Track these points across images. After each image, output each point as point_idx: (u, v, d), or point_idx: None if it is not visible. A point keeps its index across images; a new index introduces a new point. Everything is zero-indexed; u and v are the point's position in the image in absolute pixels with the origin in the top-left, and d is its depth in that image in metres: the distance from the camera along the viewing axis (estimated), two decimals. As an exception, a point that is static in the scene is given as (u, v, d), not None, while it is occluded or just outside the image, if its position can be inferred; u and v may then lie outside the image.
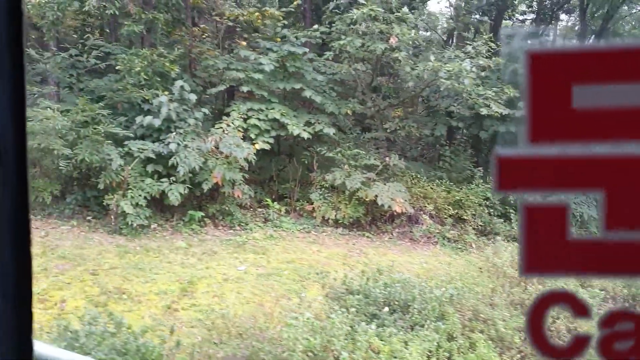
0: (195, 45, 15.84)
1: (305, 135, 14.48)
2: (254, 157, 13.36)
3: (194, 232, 12.65)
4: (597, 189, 1.26)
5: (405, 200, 14.17)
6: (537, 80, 1.24)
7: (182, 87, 13.37)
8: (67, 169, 11.75)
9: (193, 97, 13.60)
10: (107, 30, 17.28)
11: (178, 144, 12.46)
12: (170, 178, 12.41)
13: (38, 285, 8.96)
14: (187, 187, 12.52)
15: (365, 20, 14.89)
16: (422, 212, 14.66)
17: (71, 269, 9.88)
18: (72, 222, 12.04)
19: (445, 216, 15.35)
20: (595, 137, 1.25)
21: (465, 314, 8.48)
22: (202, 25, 17.22)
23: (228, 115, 14.37)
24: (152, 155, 12.40)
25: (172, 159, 12.27)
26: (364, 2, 15.05)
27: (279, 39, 15.98)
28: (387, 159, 15.19)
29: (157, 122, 12.73)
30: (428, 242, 14.59)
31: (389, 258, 12.71)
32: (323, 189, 14.86)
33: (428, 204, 15.20)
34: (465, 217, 15.07)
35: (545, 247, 1.26)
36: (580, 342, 1.25)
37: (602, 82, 1.24)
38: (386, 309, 8.25)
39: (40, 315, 8.10)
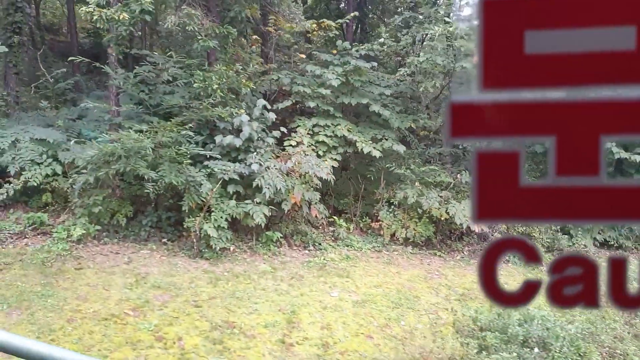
0: (253, 58, 15.86)
1: (377, 153, 14.26)
2: (333, 176, 13.33)
3: (272, 254, 12.72)
4: (549, 135, 1.24)
5: (480, 219, 13.79)
6: (490, 25, 1.23)
7: (264, 106, 13.41)
8: (152, 191, 11.72)
9: (272, 116, 13.56)
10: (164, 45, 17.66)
11: (260, 165, 12.52)
12: (254, 200, 12.49)
13: (149, 321, 9.20)
14: (271, 208, 12.57)
15: (449, 38, 14.54)
16: (492, 230, 14.24)
17: (171, 300, 10.06)
18: (151, 246, 12.13)
19: (515, 233, 14.90)
20: (547, 83, 1.24)
21: (602, 350, 8.07)
22: (253, 37, 17.10)
23: (294, 131, 14.27)
24: (235, 177, 12.43)
25: (256, 180, 12.32)
26: (448, 20, 14.93)
27: (335, 51, 15.88)
28: (458, 175, 14.84)
29: (238, 142, 12.73)
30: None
31: (469, 280, 12.52)
32: (391, 206, 14.60)
33: (498, 221, 14.88)
34: (533, 234, 14.75)
35: (498, 193, 1.26)
36: (530, 288, 1.26)
37: (554, 28, 1.23)
38: (536, 349, 7.89)
39: (164, 357, 8.34)
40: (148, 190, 11.57)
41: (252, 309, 10.13)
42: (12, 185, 11.54)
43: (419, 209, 14.16)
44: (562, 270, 1.26)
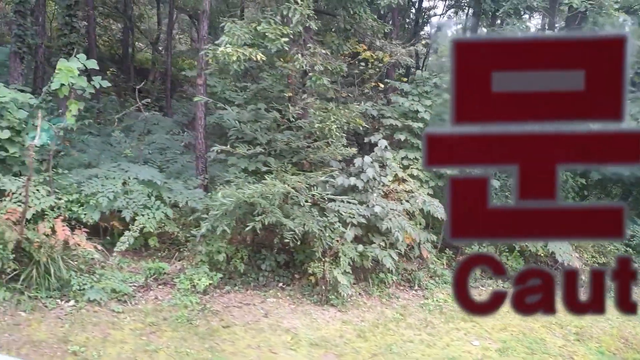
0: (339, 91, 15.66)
1: None
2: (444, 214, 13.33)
3: (385, 295, 12.73)
4: (512, 163, 1.47)
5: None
6: (461, 66, 1.43)
7: (386, 147, 13.23)
8: (290, 239, 11.41)
9: (390, 155, 13.38)
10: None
11: (383, 207, 12.41)
12: (375, 242, 12.47)
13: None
14: (398, 251, 12.50)
15: None
16: (582, 266, 13.94)
17: (342, 360, 10.29)
18: (272, 292, 12.08)
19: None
20: (511, 118, 1.47)
21: None
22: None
23: (385, 165, 13.80)
24: (363, 220, 12.32)
25: (384, 223, 12.30)
26: None
27: (404, 79, 15.75)
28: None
29: (360, 184, 12.60)
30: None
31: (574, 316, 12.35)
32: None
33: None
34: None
35: (469, 214, 1.50)
36: (498, 298, 1.43)
37: (518, 69, 1.45)
38: None
39: None
40: (286, 238, 11.43)
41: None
42: (131, 233, 11.31)
43: (512, 244, 13.92)
44: (524, 281, 1.47)
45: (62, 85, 9.95)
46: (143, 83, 16.65)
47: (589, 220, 1.47)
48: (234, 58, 11.53)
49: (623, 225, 1.46)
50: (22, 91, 11.80)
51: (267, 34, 11.90)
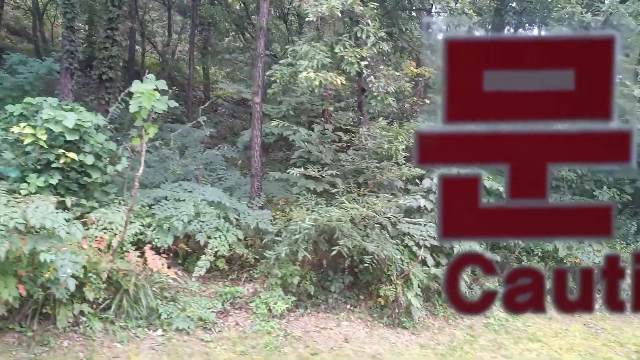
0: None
1: None
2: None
3: (448, 314, 12.33)
4: (504, 162, 1.49)
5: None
6: (453, 65, 1.45)
7: None
8: (370, 264, 11.26)
9: None
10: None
11: None
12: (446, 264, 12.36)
13: None
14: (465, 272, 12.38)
15: None
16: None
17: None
18: (344, 315, 11.92)
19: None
20: (502, 117, 1.49)
21: None
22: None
23: None
24: (435, 242, 12.05)
25: (455, 245, 11.74)
26: None
27: None
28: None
29: (429, 205, 12.47)
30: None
31: (629, 333, 12.39)
32: (531, 255, 13.94)
33: None
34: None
35: (460, 213, 1.51)
36: (488, 297, 1.43)
37: (509, 69, 1.47)
38: None
39: None
40: (367, 264, 11.29)
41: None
42: (207, 257, 11.14)
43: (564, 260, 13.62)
44: (514, 280, 1.47)
45: (141, 107, 9.77)
46: (207, 103, 16.45)
47: (578, 219, 1.47)
48: (317, 82, 11.48)
49: (611, 224, 1.45)
50: (73, 109, 11.28)
51: (345, 57, 11.90)
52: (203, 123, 14.35)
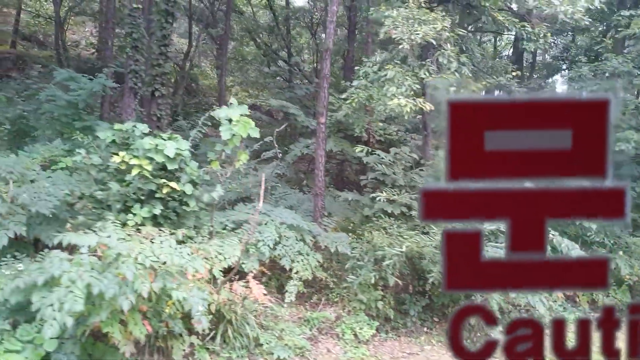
0: None
1: None
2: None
3: None
4: (504, 218, 1.56)
5: None
6: (456, 125, 1.54)
7: None
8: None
9: None
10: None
11: None
12: None
13: None
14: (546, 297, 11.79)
15: None
16: None
17: None
18: (424, 339, 11.74)
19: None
20: (503, 175, 1.57)
21: None
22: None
23: None
24: None
25: None
26: None
27: None
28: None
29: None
30: None
31: None
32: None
33: None
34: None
35: (463, 267, 1.59)
36: (489, 346, 1.51)
37: (509, 129, 1.56)
38: None
39: None
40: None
41: None
42: (294, 282, 11.03)
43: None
44: (515, 330, 1.55)
45: (234, 135, 9.65)
46: (283, 126, 16.02)
47: (575, 272, 1.54)
48: (407, 109, 11.56)
49: (607, 277, 1.51)
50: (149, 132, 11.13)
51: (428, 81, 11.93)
52: (279, 154, 13.94)
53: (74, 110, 12.73)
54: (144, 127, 10.52)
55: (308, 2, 25.46)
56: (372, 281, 11.09)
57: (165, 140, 10.01)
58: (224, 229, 11.08)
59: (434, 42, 12.10)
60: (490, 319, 1.56)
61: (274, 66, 25.26)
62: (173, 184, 9.78)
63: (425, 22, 11.74)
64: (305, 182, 17.02)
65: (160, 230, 9.18)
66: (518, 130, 1.51)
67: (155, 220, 9.81)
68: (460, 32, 12.90)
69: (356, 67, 14.39)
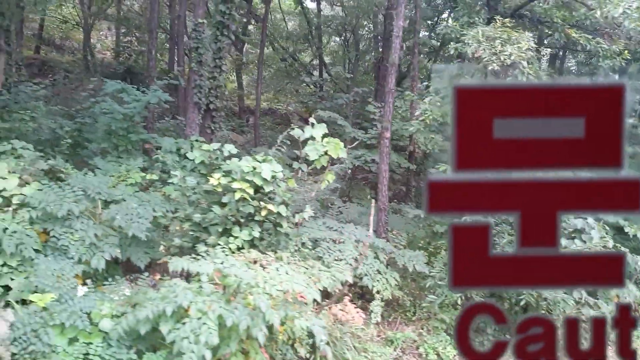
0: None
1: None
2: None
3: None
4: (514, 210, 1.47)
5: None
6: (463, 113, 1.46)
7: None
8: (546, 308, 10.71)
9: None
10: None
11: None
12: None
13: None
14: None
15: None
16: None
17: None
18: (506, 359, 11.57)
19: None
20: (513, 165, 1.48)
21: None
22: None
23: None
24: None
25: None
26: None
27: None
28: None
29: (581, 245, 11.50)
30: None
31: None
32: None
33: None
34: None
35: (470, 262, 1.51)
36: (499, 347, 1.43)
37: (519, 116, 1.47)
38: None
39: None
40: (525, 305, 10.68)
41: None
42: (378, 301, 10.70)
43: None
44: (526, 330, 1.46)
45: (321, 156, 9.62)
46: (356, 143, 15.33)
47: (589, 268, 1.44)
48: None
49: (622, 273, 1.42)
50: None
51: None
52: (348, 170, 13.98)
53: (129, 122, 12.53)
54: (231, 148, 10.48)
55: (342, 10, 25.20)
56: (458, 302, 10.84)
57: (260, 162, 9.78)
58: (309, 249, 10.78)
59: (523, 63, 11.93)
60: (500, 318, 1.46)
61: (304, 74, 25.12)
62: (271, 206, 9.55)
63: (509, 42, 11.60)
64: (350, 194, 16.82)
65: (264, 254, 9.06)
66: (528, 118, 1.42)
67: (251, 243, 9.60)
68: (543, 50, 12.67)
69: (424, 83, 14.39)
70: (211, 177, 9.72)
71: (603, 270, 1.43)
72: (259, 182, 9.49)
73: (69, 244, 8.74)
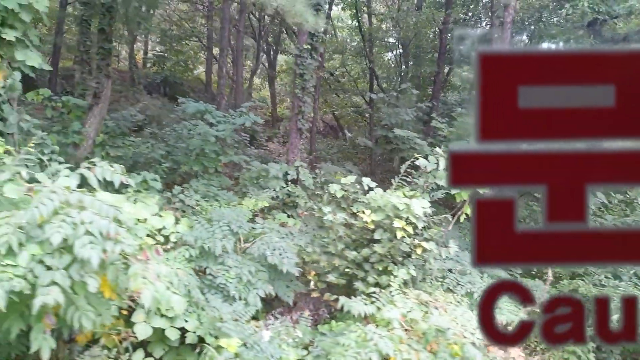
0: None
1: None
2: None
3: None
4: (540, 183, 1.38)
5: None
6: (486, 80, 1.37)
7: None
8: None
9: None
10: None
11: None
12: None
13: None
14: None
15: None
16: None
17: None
18: None
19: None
20: (539, 136, 1.39)
21: None
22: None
23: None
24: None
25: None
26: None
27: None
28: None
29: None
30: None
31: None
32: None
33: None
34: None
35: (495, 238, 1.42)
36: (525, 328, 1.39)
37: (545, 84, 1.38)
38: None
39: None
40: None
41: None
42: None
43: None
44: (553, 310, 1.37)
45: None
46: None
47: (620, 244, 1.35)
48: None
49: None
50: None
51: None
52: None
53: (219, 146, 12.33)
54: (368, 181, 10.18)
55: (393, 23, 24.77)
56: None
57: (408, 197, 9.47)
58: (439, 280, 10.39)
59: None
60: (526, 297, 1.39)
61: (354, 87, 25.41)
62: (425, 244, 9.19)
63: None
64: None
65: (430, 294, 8.85)
66: (555, 86, 1.33)
67: (404, 282, 9.27)
68: None
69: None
70: (359, 212, 9.46)
71: (634, 247, 1.34)
72: (413, 219, 9.12)
73: (226, 282, 8.34)
